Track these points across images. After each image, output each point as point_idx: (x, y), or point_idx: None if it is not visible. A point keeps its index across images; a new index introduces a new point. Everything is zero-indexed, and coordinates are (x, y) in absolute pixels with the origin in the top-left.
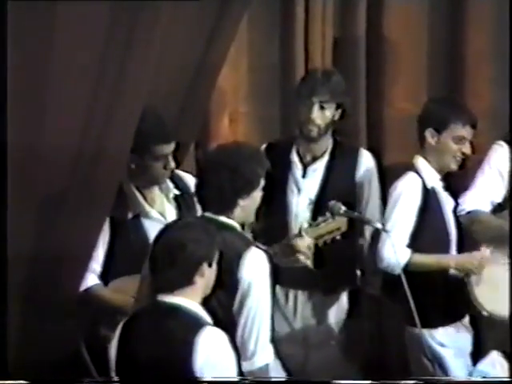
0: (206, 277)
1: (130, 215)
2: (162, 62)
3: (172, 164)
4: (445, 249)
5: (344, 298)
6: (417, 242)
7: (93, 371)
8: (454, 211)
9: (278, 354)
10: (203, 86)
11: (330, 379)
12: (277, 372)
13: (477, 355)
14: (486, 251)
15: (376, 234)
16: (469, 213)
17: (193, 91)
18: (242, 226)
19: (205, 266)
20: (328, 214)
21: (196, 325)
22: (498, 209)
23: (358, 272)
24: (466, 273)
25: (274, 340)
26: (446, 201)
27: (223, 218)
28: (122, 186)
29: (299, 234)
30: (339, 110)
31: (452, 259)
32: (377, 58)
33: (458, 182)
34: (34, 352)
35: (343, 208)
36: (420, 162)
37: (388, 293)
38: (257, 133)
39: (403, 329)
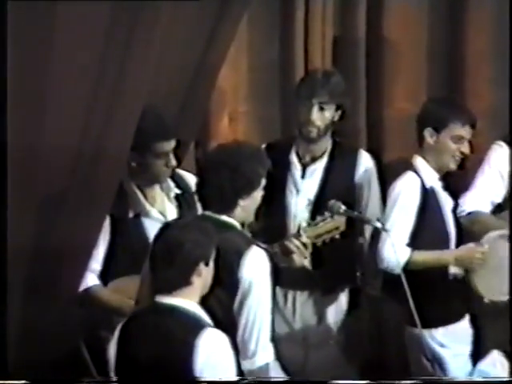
0: (204, 276)
1: (130, 214)
2: (162, 62)
3: (173, 161)
4: (444, 248)
5: (343, 298)
6: (416, 242)
7: (93, 371)
8: (454, 211)
9: (278, 354)
10: (203, 85)
11: (329, 379)
12: (276, 372)
13: (477, 355)
14: (484, 245)
15: (376, 234)
16: (469, 214)
17: (193, 91)
18: (242, 225)
19: (202, 265)
20: (327, 214)
21: (196, 326)
22: (498, 209)
23: (358, 272)
24: (465, 268)
25: (275, 339)
26: (445, 200)
27: (224, 217)
28: (122, 185)
29: (298, 234)
30: (339, 111)
31: (451, 254)
32: (377, 59)
33: (457, 181)
34: (33, 351)
35: (343, 207)
36: (419, 161)
37: (388, 293)
38: (256, 132)
39: (403, 329)
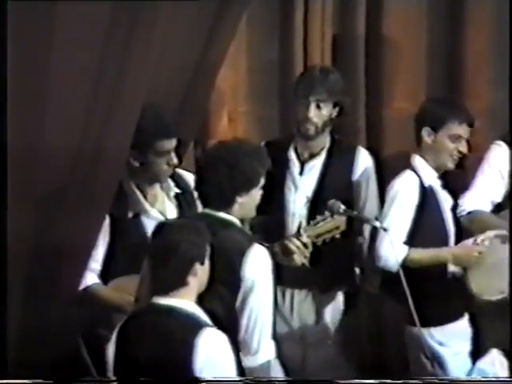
0: (199, 276)
1: (130, 214)
2: (162, 62)
3: (175, 160)
4: (443, 246)
5: (341, 297)
6: (415, 240)
7: (92, 370)
8: (453, 210)
9: (277, 352)
10: (202, 85)
11: (329, 379)
12: (275, 370)
13: (476, 354)
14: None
15: (374, 233)
16: (469, 213)
17: (192, 90)
18: (241, 222)
19: (197, 265)
20: (327, 213)
21: (194, 326)
22: (497, 208)
23: (357, 270)
24: (463, 266)
25: (276, 337)
26: (444, 199)
27: (223, 214)
28: (122, 185)
29: (298, 234)
30: (336, 108)
31: (449, 252)
32: (376, 58)
33: (457, 181)
34: (33, 351)
35: (342, 207)
36: (417, 160)
37: (387, 291)
38: (256, 132)
39: (402, 327)
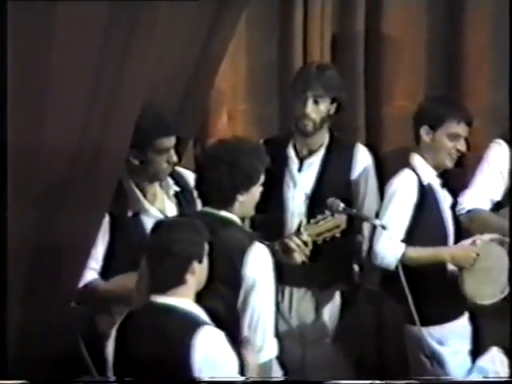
0: (197, 274)
1: (129, 213)
2: (161, 61)
3: (174, 158)
4: (442, 245)
5: (337, 295)
6: (414, 238)
7: (92, 368)
8: (453, 208)
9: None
10: (202, 83)
11: (328, 377)
12: (275, 368)
13: (476, 352)
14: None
15: (373, 231)
16: (469, 211)
17: (192, 89)
18: (242, 220)
19: (195, 263)
20: (327, 212)
21: (192, 324)
22: (497, 207)
23: (356, 268)
24: (460, 266)
25: (278, 335)
26: (443, 197)
27: (223, 213)
28: (121, 183)
29: (298, 232)
30: (334, 104)
31: (447, 252)
32: (375, 57)
33: (456, 180)
34: (33, 350)
35: (342, 205)
36: (416, 159)
37: (386, 290)
38: (255, 131)
39: (402, 326)
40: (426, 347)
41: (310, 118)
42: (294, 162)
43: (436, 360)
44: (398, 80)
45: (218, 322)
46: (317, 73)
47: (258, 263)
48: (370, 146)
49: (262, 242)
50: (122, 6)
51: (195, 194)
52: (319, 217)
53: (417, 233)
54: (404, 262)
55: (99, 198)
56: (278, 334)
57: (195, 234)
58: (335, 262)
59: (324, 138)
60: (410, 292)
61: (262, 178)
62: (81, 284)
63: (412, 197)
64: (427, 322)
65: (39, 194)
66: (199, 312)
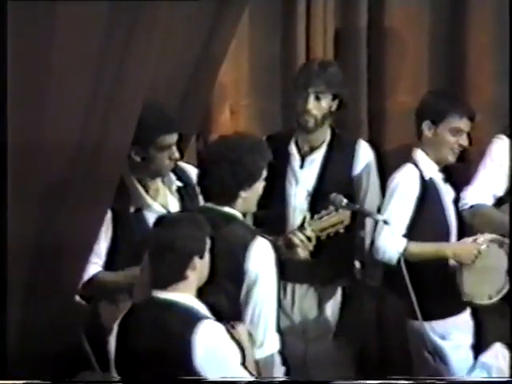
0: (199, 270)
1: (132, 209)
2: (164, 55)
3: (176, 154)
4: (444, 239)
5: (339, 291)
6: (416, 233)
7: (94, 364)
8: (455, 202)
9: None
10: (205, 78)
11: (330, 374)
12: (277, 363)
13: (478, 347)
14: (482, 244)
15: (375, 226)
16: (471, 207)
17: (194, 84)
18: (244, 215)
19: (196, 259)
20: (331, 208)
21: (193, 319)
22: (499, 202)
23: (357, 264)
24: (461, 263)
25: (280, 330)
26: (446, 192)
27: (226, 209)
28: (123, 179)
29: (302, 227)
30: (336, 101)
31: (449, 248)
32: (378, 52)
33: (459, 175)
34: (35, 346)
35: (344, 200)
36: (418, 153)
37: (388, 285)
38: (258, 126)
39: (404, 321)
40: (428, 342)
41: (312, 115)
42: (295, 158)
43: (438, 355)
44: (401, 76)
45: (221, 317)
46: (319, 69)
47: (261, 258)
48: (373, 142)
49: (264, 237)
50: (122, 5)
51: (198, 189)
52: (323, 212)
53: (419, 227)
54: (405, 256)
55: (100, 197)
56: (279, 330)
57: (197, 230)
58: (337, 258)
59: (326, 134)
60: (411, 287)
61: (265, 174)
62: (85, 278)
63: (414, 191)
64: (429, 316)
65: (40, 193)
66: (200, 307)
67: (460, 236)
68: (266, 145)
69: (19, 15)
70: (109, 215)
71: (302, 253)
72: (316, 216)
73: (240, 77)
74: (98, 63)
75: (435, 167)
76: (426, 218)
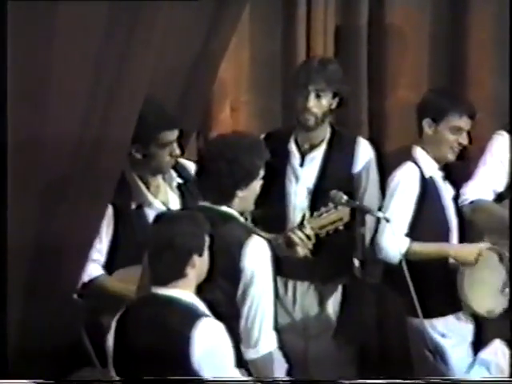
0: (198, 267)
1: (133, 206)
2: (164, 52)
3: (177, 151)
4: (445, 237)
5: (340, 289)
6: (416, 231)
7: (95, 361)
8: (455, 200)
9: (279, 344)
10: (205, 75)
11: (331, 370)
12: (277, 361)
13: (478, 345)
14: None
15: (376, 224)
16: (472, 202)
17: (194, 81)
18: (241, 214)
19: (195, 257)
20: (331, 205)
21: (192, 316)
22: (499, 198)
23: (356, 262)
24: (463, 263)
25: (277, 328)
26: (446, 190)
27: (223, 208)
28: (124, 176)
29: (301, 225)
30: (336, 99)
31: (451, 249)
32: (379, 49)
33: (459, 171)
34: (35, 345)
35: (345, 197)
36: (418, 151)
37: (388, 283)
38: (258, 122)
39: (404, 319)
40: (428, 340)
41: (312, 113)
42: (295, 156)
43: (438, 352)
44: (401, 73)
45: (219, 316)
46: (319, 67)
47: (256, 255)
48: (373, 139)
49: (260, 236)
50: (122, 5)
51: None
52: (322, 209)
53: (419, 226)
54: (408, 256)
55: (101, 193)
56: (277, 328)
57: (196, 227)
58: (337, 255)
59: (326, 132)
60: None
61: (262, 172)
62: (85, 277)
63: (415, 190)
64: (429, 314)
65: (40, 190)
66: (199, 304)
67: (460, 234)
68: (264, 144)
69: (19, 15)
70: (110, 212)
71: (302, 251)
72: (315, 213)
73: (240, 74)
74: (98, 63)
75: (435, 165)
76: (427, 216)
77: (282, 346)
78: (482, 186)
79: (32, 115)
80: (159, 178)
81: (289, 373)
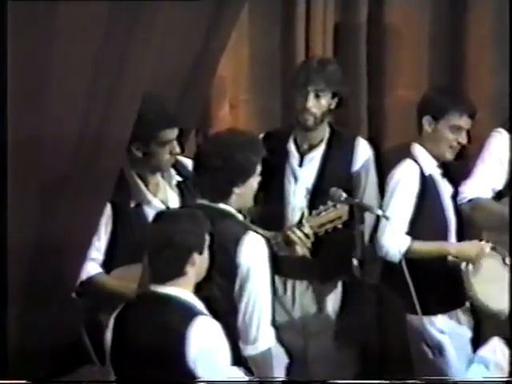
0: (198, 265)
1: (132, 204)
2: (163, 49)
3: (177, 149)
4: (444, 235)
5: (340, 287)
6: (415, 229)
7: (94, 359)
8: (454, 198)
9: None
10: (204, 73)
11: (330, 367)
12: (278, 356)
13: (477, 342)
14: (485, 248)
15: (376, 222)
16: (470, 200)
17: (193, 79)
18: (240, 211)
19: (195, 255)
20: (329, 203)
21: (188, 314)
22: (498, 196)
23: (356, 260)
24: (465, 261)
25: (275, 324)
26: (444, 188)
27: (220, 205)
28: (123, 174)
29: (300, 224)
30: (335, 99)
31: (452, 247)
32: (378, 47)
33: (457, 169)
34: (35, 344)
35: (344, 195)
36: (417, 149)
37: (388, 280)
38: (257, 121)
39: (403, 317)
40: (427, 337)
41: (311, 113)
42: (294, 156)
43: (437, 349)
44: (401, 71)
45: (217, 313)
46: (318, 67)
47: (252, 252)
48: (372, 138)
49: (256, 232)
50: (122, 5)
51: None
52: (321, 208)
53: (418, 223)
54: (408, 254)
55: (100, 191)
56: (275, 324)
57: (196, 226)
58: (337, 254)
59: (325, 132)
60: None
61: (259, 169)
62: (83, 276)
63: (414, 187)
64: (428, 311)
65: (39, 189)
66: (197, 303)
67: (459, 232)
68: (260, 140)
69: (19, 15)
70: (109, 210)
71: (301, 250)
72: (314, 212)
73: (239, 72)
74: (98, 62)
75: (434, 163)
76: (426, 214)
77: (281, 345)
78: (481, 184)
79: (32, 115)
80: (158, 176)
81: (289, 367)
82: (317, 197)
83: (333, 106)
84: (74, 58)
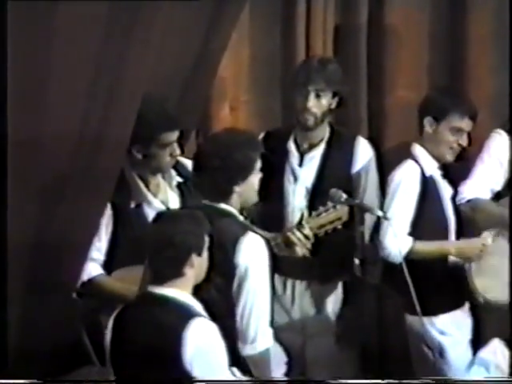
0: (197, 267)
1: (132, 204)
2: (163, 50)
3: (177, 151)
4: (443, 236)
5: (340, 288)
6: (416, 230)
7: (94, 359)
8: (453, 199)
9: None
10: (204, 74)
11: (329, 370)
12: (277, 356)
13: (477, 343)
14: (487, 238)
15: (376, 223)
16: (469, 201)
17: (194, 80)
18: (242, 210)
19: (194, 256)
20: (329, 204)
21: (185, 316)
22: (497, 197)
23: (357, 261)
24: (465, 259)
25: (274, 324)
26: (445, 189)
27: (221, 205)
28: (124, 174)
29: (300, 225)
30: (336, 99)
31: (452, 245)
32: (378, 47)
33: (457, 170)
34: (35, 344)
35: (344, 196)
36: (418, 149)
37: (388, 281)
38: (257, 121)
39: (403, 317)
40: (427, 338)
41: (312, 112)
42: (294, 156)
43: (438, 350)
44: (401, 71)
45: (215, 314)
46: (318, 67)
47: (250, 251)
48: (373, 139)
49: (255, 232)
50: (122, 5)
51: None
52: (321, 209)
53: (419, 224)
54: (410, 255)
55: (100, 192)
56: (273, 325)
57: (196, 226)
58: (337, 254)
59: (325, 131)
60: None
61: (259, 165)
62: (84, 276)
63: (415, 188)
64: (429, 312)
65: (40, 189)
66: (194, 304)
67: (458, 232)
68: (257, 137)
69: (19, 15)
70: (109, 210)
71: (301, 251)
72: (314, 213)
73: (240, 72)
74: (98, 62)
75: (435, 164)
76: (426, 214)
77: (280, 345)
78: (480, 185)
79: (32, 115)
80: (159, 177)
81: (289, 367)
82: (317, 197)
83: (333, 106)
84: (73, 58)
